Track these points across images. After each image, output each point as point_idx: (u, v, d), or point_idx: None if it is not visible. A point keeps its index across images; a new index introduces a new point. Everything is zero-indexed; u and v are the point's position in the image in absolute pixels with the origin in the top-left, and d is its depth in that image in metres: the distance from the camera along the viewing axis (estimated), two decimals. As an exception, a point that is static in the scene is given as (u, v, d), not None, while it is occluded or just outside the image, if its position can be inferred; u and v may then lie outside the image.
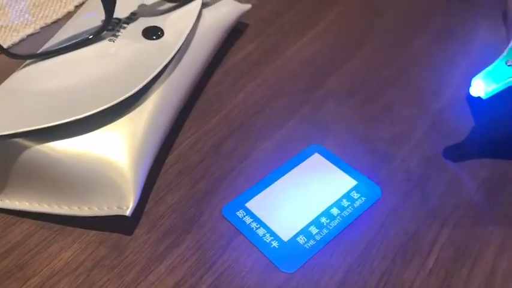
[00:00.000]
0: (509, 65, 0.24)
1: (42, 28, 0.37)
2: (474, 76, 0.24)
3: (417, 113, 0.31)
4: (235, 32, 0.37)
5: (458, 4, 0.39)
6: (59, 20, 0.38)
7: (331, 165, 0.28)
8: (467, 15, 0.38)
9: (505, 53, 0.24)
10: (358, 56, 0.35)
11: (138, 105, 0.27)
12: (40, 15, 0.38)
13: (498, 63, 0.24)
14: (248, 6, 0.37)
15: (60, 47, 0.28)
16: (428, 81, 0.33)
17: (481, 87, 0.24)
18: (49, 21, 0.38)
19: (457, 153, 0.29)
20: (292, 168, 0.28)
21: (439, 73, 0.34)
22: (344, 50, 0.36)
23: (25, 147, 0.24)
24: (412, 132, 0.30)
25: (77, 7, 0.39)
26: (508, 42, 0.25)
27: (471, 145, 0.29)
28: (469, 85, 0.25)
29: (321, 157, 0.29)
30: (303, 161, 0.29)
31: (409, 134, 0.30)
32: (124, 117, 0.26)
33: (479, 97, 0.24)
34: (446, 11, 0.39)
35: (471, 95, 0.25)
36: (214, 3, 0.34)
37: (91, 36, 0.28)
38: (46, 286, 0.23)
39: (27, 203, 0.25)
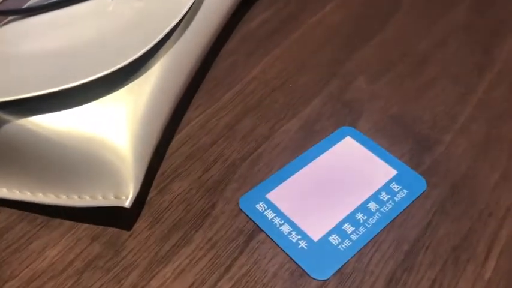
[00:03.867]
0: None
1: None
2: None
3: (462, 91, 0.27)
4: (249, -4, 0.32)
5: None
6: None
7: (366, 151, 0.24)
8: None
9: None
10: (389, 26, 0.31)
11: (140, 75, 0.23)
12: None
13: None
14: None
15: (49, 2, 0.24)
16: (471, 54, 0.29)
17: None
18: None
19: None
20: (321, 154, 0.24)
21: (482, 44, 0.30)
22: (373, 19, 0.31)
23: (3, 122, 0.20)
24: (457, 113, 0.26)
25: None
26: None
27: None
28: None
29: (354, 141, 0.25)
30: (333, 145, 0.24)
31: (453, 115, 0.26)
32: (123, 89, 0.22)
33: None
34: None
35: None
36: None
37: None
38: (26, 291, 0.19)
39: (5, 189, 0.22)
